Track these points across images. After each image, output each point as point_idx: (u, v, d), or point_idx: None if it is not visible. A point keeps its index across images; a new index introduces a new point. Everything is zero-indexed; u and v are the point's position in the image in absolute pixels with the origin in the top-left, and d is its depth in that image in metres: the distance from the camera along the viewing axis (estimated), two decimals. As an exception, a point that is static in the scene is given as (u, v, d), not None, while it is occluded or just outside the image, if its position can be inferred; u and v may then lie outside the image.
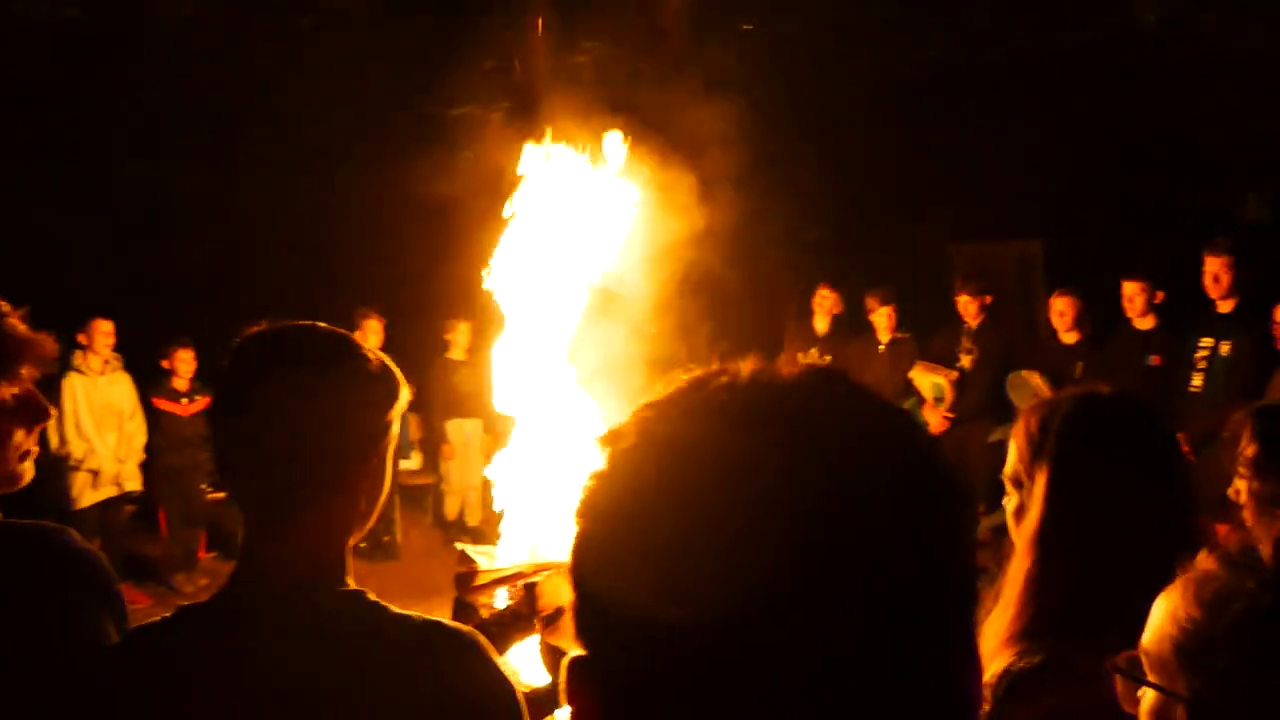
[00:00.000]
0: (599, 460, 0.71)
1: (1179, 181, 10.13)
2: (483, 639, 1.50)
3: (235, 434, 1.48)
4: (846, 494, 0.62)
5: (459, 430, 9.09)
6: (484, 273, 5.83)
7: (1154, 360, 6.08)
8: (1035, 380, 6.98)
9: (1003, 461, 1.83)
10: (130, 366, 8.01)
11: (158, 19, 7.99)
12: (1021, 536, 1.72)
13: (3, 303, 1.71)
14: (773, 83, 9.56)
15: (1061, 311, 6.99)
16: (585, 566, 0.68)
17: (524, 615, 5.54)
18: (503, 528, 6.17)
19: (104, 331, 7.73)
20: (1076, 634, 1.55)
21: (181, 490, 8.19)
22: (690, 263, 6.67)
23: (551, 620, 5.82)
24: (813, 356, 8.43)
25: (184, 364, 8.16)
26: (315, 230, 9.52)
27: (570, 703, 0.70)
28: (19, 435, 1.72)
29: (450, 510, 9.38)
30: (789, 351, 8.64)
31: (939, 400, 7.47)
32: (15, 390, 1.70)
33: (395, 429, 1.57)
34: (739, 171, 7.89)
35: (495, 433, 6.55)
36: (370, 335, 8.28)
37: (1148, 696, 1.19)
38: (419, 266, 9.24)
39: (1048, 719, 1.48)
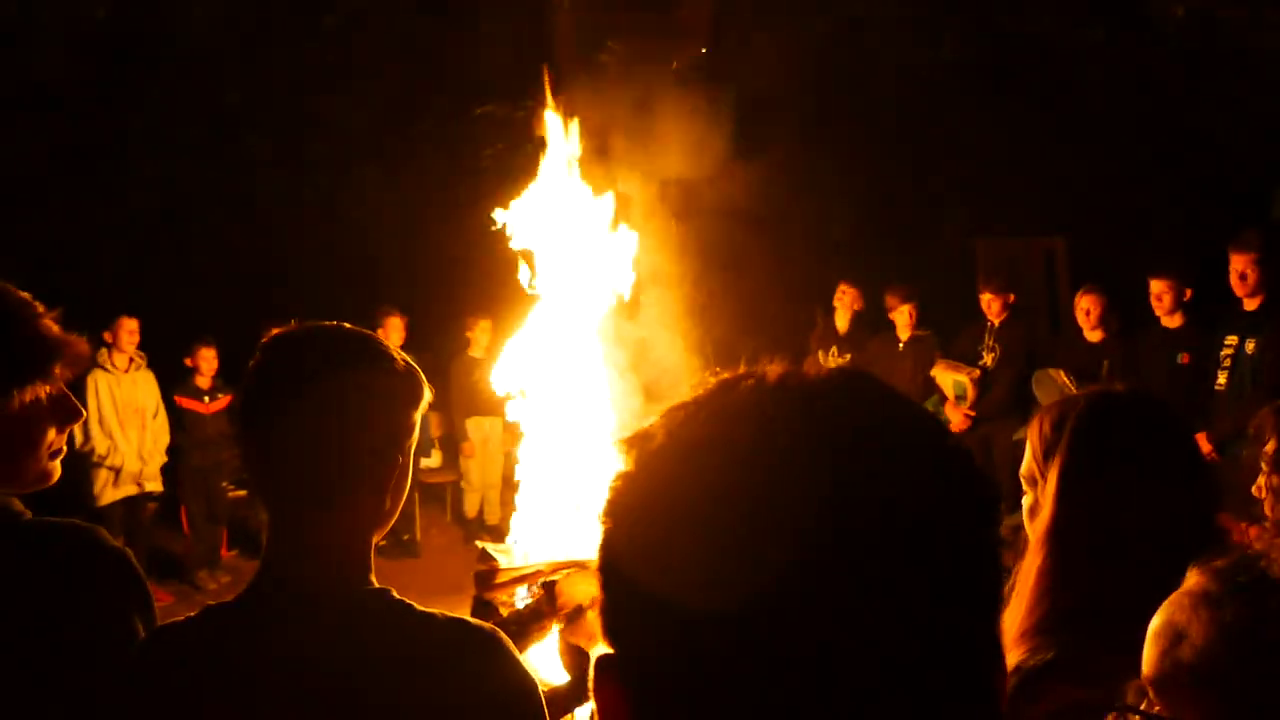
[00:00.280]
0: (625, 461, 0.71)
1: (1203, 179, 10.02)
2: (505, 637, 1.51)
3: (262, 433, 1.49)
4: (874, 493, 0.62)
5: (478, 428, 9.10)
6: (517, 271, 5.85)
7: (1183, 358, 6.03)
8: (1061, 378, 6.93)
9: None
10: (153, 364, 8.06)
11: (184, 20, 8.05)
12: (1034, 534, 1.72)
13: (37, 304, 1.73)
14: (795, 81, 9.54)
15: (1087, 309, 6.93)
16: (614, 565, 0.68)
17: (543, 614, 5.54)
18: (514, 524, 6.19)
19: (129, 329, 7.77)
20: (1088, 631, 1.55)
21: (204, 488, 8.24)
22: (713, 261, 6.69)
23: (571, 619, 5.81)
24: (834, 354, 8.39)
25: (207, 362, 8.20)
26: (337, 229, 9.56)
27: (597, 701, 0.70)
28: (51, 434, 1.75)
29: (470, 508, 9.40)
30: (811, 349, 8.62)
31: (961, 398, 7.43)
32: (49, 390, 1.72)
33: (418, 427, 1.58)
34: (762, 171, 7.89)
35: (513, 430, 6.54)
36: (392, 333, 8.30)
37: None
38: (440, 264, 9.27)
39: (1058, 716, 1.47)
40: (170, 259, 9.39)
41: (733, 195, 7.24)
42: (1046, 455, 1.73)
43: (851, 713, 0.60)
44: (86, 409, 1.92)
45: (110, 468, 7.64)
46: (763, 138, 8.49)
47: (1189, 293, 6.24)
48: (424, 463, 9.28)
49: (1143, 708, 1.18)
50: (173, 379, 8.23)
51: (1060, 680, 1.49)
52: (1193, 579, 1.19)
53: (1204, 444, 5.36)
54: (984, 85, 9.74)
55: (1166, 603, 1.19)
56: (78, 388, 7.22)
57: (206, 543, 8.36)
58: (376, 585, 1.51)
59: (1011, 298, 7.49)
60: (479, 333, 9.04)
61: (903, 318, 7.88)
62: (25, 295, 1.73)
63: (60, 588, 1.69)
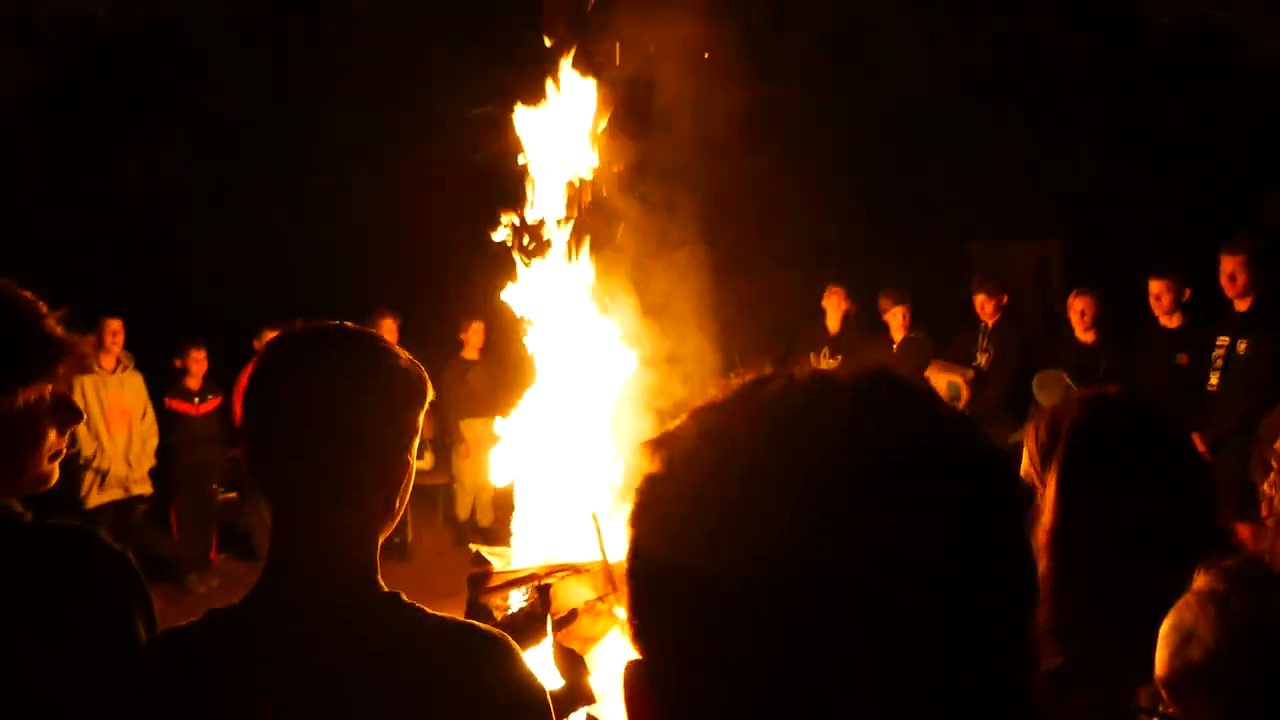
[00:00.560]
0: (652, 463, 0.70)
1: (1195, 183, 10.06)
2: (514, 643, 1.50)
3: (270, 433, 1.47)
4: (914, 493, 0.61)
5: (471, 429, 9.08)
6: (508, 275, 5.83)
7: (1182, 359, 6.04)
8: (1066, 379, 6.92)
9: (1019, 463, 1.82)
10: (143, 366, 8.01)
11: (177, 20, 8.03)
12: (1036, 539, 1.72)
13: (40, 304, 1.72)
14: (790, 84, 9.54)
15: (1081, 310, 6.94)
16: (647, 569, 0.67)
17: (538, 617, 5.51)
18: (514, 527, 6.15)
19: (112, 330, 7.70)
20: (1094, 635, 1.55)
21: (194, 490, 8.20)
22: (706, 260, 6.68)
23: (565, 622, 5.78)
24: (824, 355, 8.39)
25: (197, 363, 8.15)
26: (329, 230, 9.54)
27: (628, 707, 0.69)
28: (52, 435, 1.74)
29: (462, 510, 9.37)
30: (801, 351, 8.62)
31: (955, 399, 7.42)
32: (52, 390, 1.72)
33: (421, 427, 1.57)
34: (757, 171, 7.90)
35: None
36: (385, 334, 8.22)
37: None
38: (433, 266, 9.25)
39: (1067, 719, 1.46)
40: (161, 259, 9.35)
41: (726, 196, 7.24)
42: (1044, 461, 1.74)
43: (890, 716, 0.59)
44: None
45: (97, 470, 7.58)
46: (758, 137, 8.49)
47: (1188, 293, 6.25)
48: (416, 465, 9.23)
49: (1159, 709, 1.17)
50: (163, 380, 8.18)
51: (1068, 684, 1.48)
52: (1201, 579, 1.19)
53: (1198, 444, 5.37)
54: (978, 90, 9.77)
55: (1177, 604, 1.18)
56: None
57: (196, 545, 8.31)
58: (385, 588, 1.49)
59: (1005, 299, 7.49)
60: (472, 334, 9.02)
61: (896, 319, 7.88)
62: (28, 294, 1.72)
63: (62, 590, 1.68)
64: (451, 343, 9.21)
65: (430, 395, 1.57)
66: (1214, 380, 5.97)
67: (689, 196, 6.61)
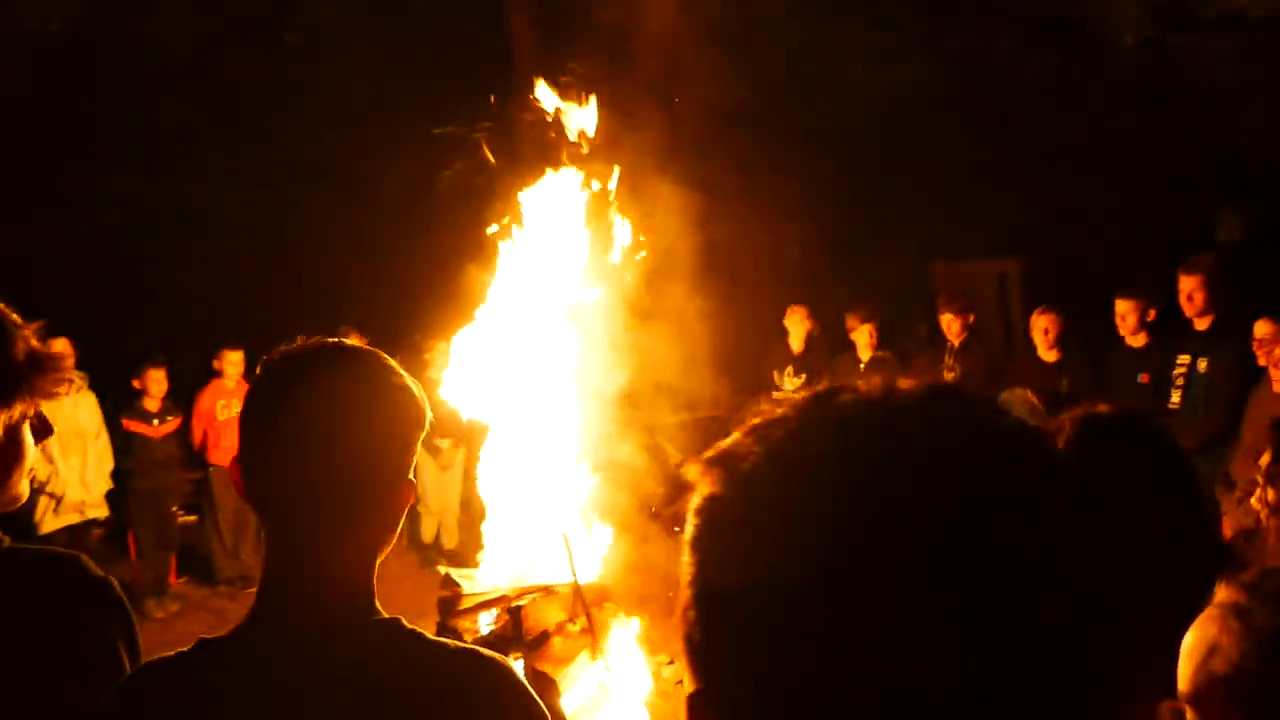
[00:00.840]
0: (711, 483, 0.68)
1: (1152, 202, 10.25)
2: (513, 666, 1.47)
3: (271, 454, 1.43)
4: (997, 510, 0.60)
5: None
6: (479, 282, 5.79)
7: (1143, 378, 6.12)
8: (1030, 398, 6.98)
9: None
10: (101, 387, 7.85)
11: (138, 35, 7.92)
12: None
13: (15, 316, 1.69)
14: (754, 104, 9.61)
15: (1045, 328, 7.01)
16: (716, 593, 0.65)
17: (509, 639, 5.43)
18: (484, 547, 6.09)
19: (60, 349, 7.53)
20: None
21: (153, 513, 8.05)
22: (670, 283, 6.69)
23: (537, 644, 5.69)
24: (789, 374, 8.43)
25: (155, 384, 8.02)
26: (291, 247, 9.43)
27: None
28: (34, 452, 1.73)
29: (426, 533, 9.27)
30: (766, 369, 8.65)
31: (922, 418, 7.46)
32: (37, 405, 1.70)
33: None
34: (720, 192, 7.93)
35: (471, 448, 6.49)
36: (349, 356, 8.17)
37: None
38: (396, 284, 9.17)
39: None
40: (118, 278, 9.20)
41: (689, 218, 7.26)
42: None
43: None
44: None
45: (51, 495, 7.40)
46: (720, 159, 8.54)
47: (1153, 313, 6.34)
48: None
49: None
50: (120, 401, 8.02)
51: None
52: (1222, 593, 1.19)
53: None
54: (939, 110, 9.89)
55: (1199, 619, 1.18)
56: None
57: (155, 570, 8.15)
58: (384, 614, 1.46)
59: (971, 318, 7.55)
60: (437, 354, 8.94)
61: (863, 338, 7.92)
62: (3, 307, 1.69)
63: (44, 616, 1.64)
64: (416, 361, 9.13)
65: (430, 416, 1.54)
66: (1176, 398, 6.05)
67: (653, 219, 6.63)
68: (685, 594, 0.68)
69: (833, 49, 9.90)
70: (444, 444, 8.86)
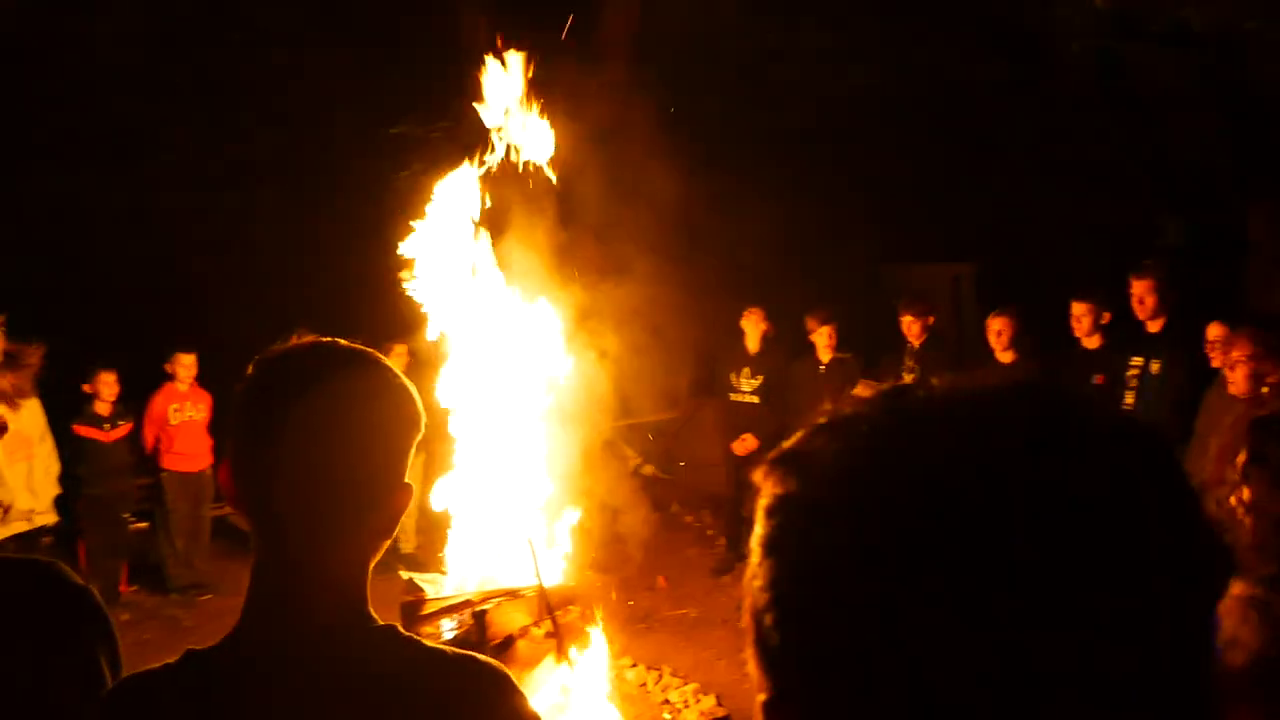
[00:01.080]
0: (784, 484, 0.66)
1: (1099, 208, 10.46)
2: (509, 672, 1.44)
3: (264, 458, 1.37)
4: (1106, 506, 0.59)
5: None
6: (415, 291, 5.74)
7: (1098, 379, 6.23)
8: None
9: None
10: (50, 390, 7.64)
11: (89, 32, 7.74)
12: None
13: None
14: (708, 108, 9.65)
15: (999, 331, 7.11)
16: (799, 593, 0.63)
17: (473, 644, 5.40)
18: (446, 554, 6.04)
19: (-3, 352, 7.33)
20: None
21: (104, 520, 7.87)
22: (626, 285, 6.70)
23: (502, 649, 5.66)
24: (745, 375, 8.47)
25: (107, 387, 7.84)
26: (245, 248, 9.28)
27: None
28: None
29: (384, 536, 9.17)
30: (722, 371, 8.68)
31: (882, 419, 7.54)
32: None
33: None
34: (674, 196, 7.95)
35: (429, 453, 6.42)
36: (304, 357, 8.06)
37: None
38: (353, 285, 9.07)
39: None
40: (67, 279, 8.98)
41: (644, 220, 7.28)
42: None
43: None
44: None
45: (-2, 503, 7.21)
46: (675, 163, 8.56)
47: (1107, 316, 6.46)
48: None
49: None
50: (70, 406, 7.83)
51: None
52: (1237, 587, 1.20)
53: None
54: (893, 114, 10.00)
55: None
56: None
57: (106, 578, 7.94)
58: (379, 621, 1.42)
59: (931, 320, 7.64)
60: (395, 358, 8.86)
61: (823, 339, 7.98)
62: None
63: (23, 626, 1.59)
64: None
65: (424, 418, 1.50)
66: (1129, 399, 6.17)
67: (610, 225, 6.64)
68: (761, 597, 0.65)
69: (788, 53, 9.97)
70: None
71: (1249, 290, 10.47)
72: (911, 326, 7.52)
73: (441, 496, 5.89)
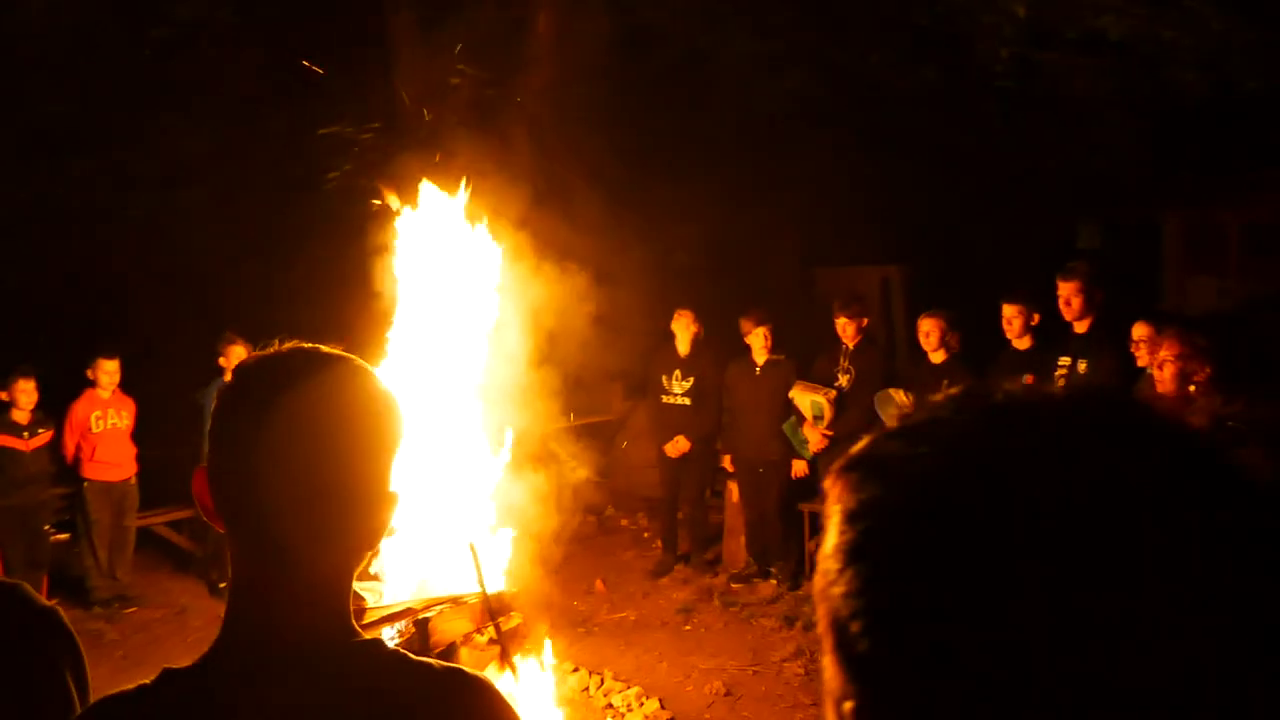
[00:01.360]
0: (868, 488, 0.66)
1: (1021, 211, 10.72)
2: (496, 685, 1.43)
3: (247, 467, 1.33)
4: (1219, 513, 0.60)
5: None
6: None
7: (1027, 379, 6.38)
8: (900, 397, 7.25)
9: None
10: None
11: (4, 29, 7.46)
12: None
13: None
14: (638, 113, 9.67)
15: (927, 332, 7.26)
16: (895, 598, 0.63)
17: (416, 652, 5.34)
18: (381, 563, 5.96)
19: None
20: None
21: (23, 531, 7.59)
22: (558, 293, 6.68)
23: (445, 657, 5.63)
24: (676, 377, 8.50)
25: (25, 395, 7.57)
26: (170, 250, 9.03)
27: None
28: None
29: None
30: (653, 374, 8.71)
31: (819, 418, 7.63)
32: None
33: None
34: (605, 200, 7.96)
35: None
36: (235, 363, 7.85)
37: None
38: (281, 288, 8.89)
39: None
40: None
41: (573, 225, 7.28)
42: None
43: None
44: None
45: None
46: (607, 166, 8.57)
47: (1037, 317, 6.62)
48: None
49: None
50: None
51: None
52: None
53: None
54: (823, 119, 10.12)
55: None
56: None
57: (24, 592, 7.68)
58: (364, 635, 1.38)
59: (865, 322, 7.76)
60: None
61: (759, 341, 8.04)
62: None
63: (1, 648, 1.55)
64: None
65: (406, 425, 1.46)
66: (1058, 399, 6.33)
67: (541, 226, 6.62)
68: (846, 604, 0.64)
69: (717, 57, 10.03)
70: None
71: (1163, 291, 10.85)
72: (846, 328, 7.63)
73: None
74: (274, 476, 1.31)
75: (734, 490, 8.48)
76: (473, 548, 5.49)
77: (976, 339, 7.42)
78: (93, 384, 7.92)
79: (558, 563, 7.68)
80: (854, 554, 0.65)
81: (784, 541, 8.09)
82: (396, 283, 5.91)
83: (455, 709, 1.35)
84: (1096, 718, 0.57)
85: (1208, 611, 0.57)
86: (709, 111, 10.24)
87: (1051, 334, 6.58)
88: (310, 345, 1.44)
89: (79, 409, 7.88)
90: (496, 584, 5.71)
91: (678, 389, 8.52)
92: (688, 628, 7.41)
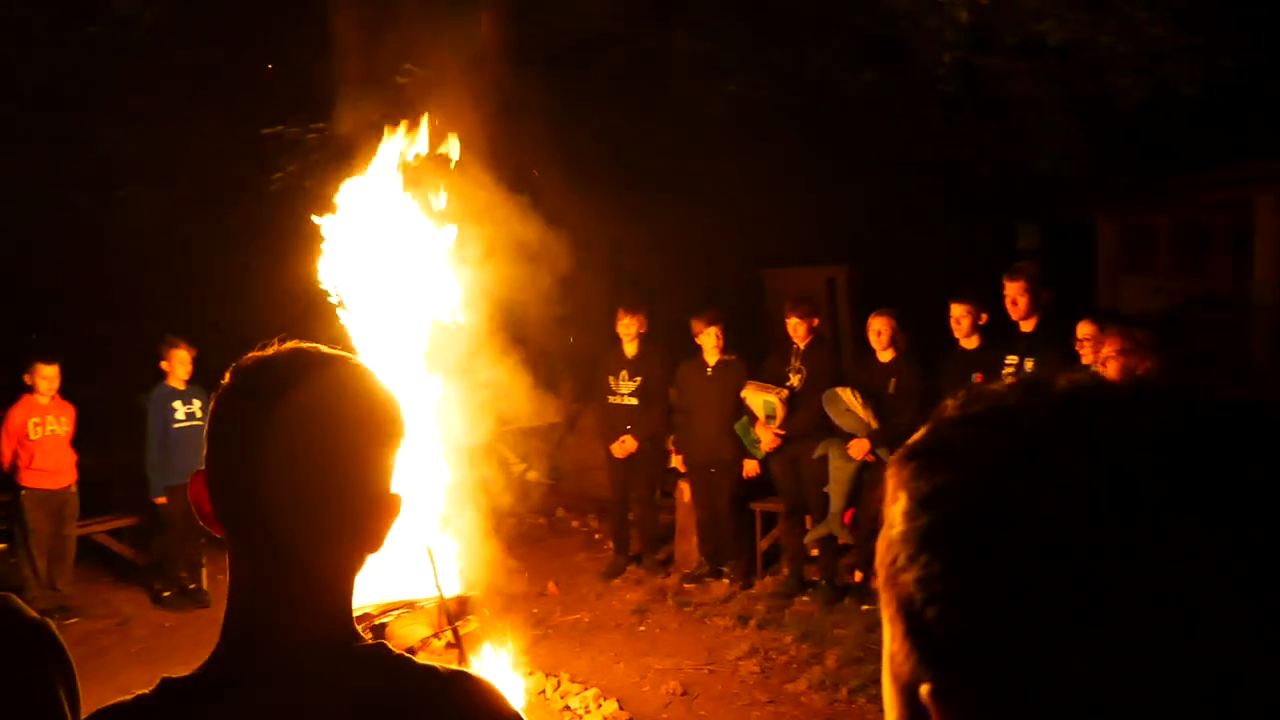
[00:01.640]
0: (935, 475, 0.67)
1: (963, 212, 10.91)
2: (500, 689, 1.42)
3: (247, 470, 1.30)
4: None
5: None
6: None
7: (977, 378, 6.49)
8: (847, 395, 7.34)
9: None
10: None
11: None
12: None
13: None
14: (585, 117, 9.66)
15: (879, 330, 7.36)
16: (976, 583, 0.63)
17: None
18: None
19: None
20: None
21: (-42, 542, 7.38)
22: (507, 294, 6.66)
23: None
24: (624, 378, 8.50)
25: (-42, 401, 7.36)
26: (109, 252, 8.82)
27: None
28: None
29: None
30: (599, 375, 8.69)
31: (770, 418, 7.69)
32: None
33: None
34: (553, 205, 7.94)
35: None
36: (178, 366, 7.74)
37: None
38: (224, 291, 8.74)
39: None
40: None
41: (522, 228, 7.26)
42: None
43: None
44: None
45: None
46: (554, 168, 8.55)
47: (985, 317, 6.75)
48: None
49: None
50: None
51: None
52: None
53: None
54: (767, 121, 10.20)
55: None
56: None
57: (-42, 604, 7.45)
58: (367, 639, 1.36)
59: (816, 322, 7.83)
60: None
61: (710, 340, 8.06)
62: None
63: None
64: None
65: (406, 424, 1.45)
66: (1005, 397, 6.45)
67: (487, 229, 6.59)
68: (920, 590, 0.65)
69: (662, 60, 10.06)
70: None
71: (1097, 291, 11.10)
72: (798, 328, 7.70)
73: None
74: (276, 478, 1.29)
75: (685, 490, 8.51)
76: (429, 551, 5.45)
77: (919, 338, 7.54)
78: (31, 389, 7.71)
79: (511, 565, 7.66)
80: (927, 540, 0.66)
81: (736, 541, 8.14)
82: (341, 284, 5.85)
83: (461, 712, 1.34)
84: (1179, 700, 0.57)
85: None
86: (656, 113, 10.26)
87: (998, 333, 6.70)
88: (309, 345, 1.42)
89: (16, 415, 7.67)
90: (452, 587, 5.67)
91: (624, 389, 8.52)
92: (642, 628, 7.42)
